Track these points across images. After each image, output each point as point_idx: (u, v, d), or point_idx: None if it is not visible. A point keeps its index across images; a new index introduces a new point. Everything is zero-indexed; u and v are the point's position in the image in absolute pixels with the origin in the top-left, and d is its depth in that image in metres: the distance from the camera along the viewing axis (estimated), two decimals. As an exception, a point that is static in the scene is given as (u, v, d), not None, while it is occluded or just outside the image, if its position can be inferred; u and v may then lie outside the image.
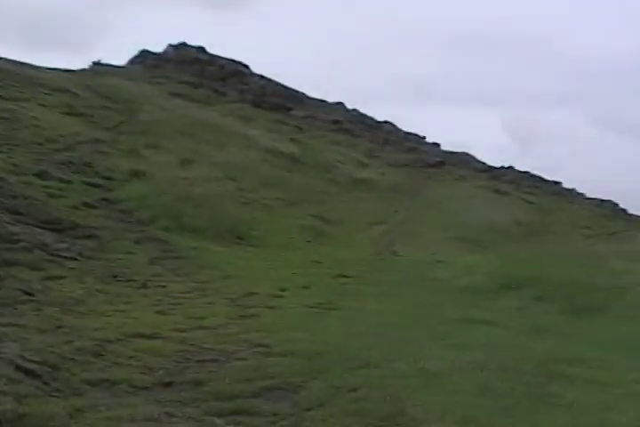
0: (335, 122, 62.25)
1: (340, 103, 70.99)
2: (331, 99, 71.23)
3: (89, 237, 18.24)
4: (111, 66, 55.88)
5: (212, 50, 67.47)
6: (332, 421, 6.62)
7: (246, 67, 67.81)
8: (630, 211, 61.83)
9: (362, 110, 71.47)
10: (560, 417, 6.97)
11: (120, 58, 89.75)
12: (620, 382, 9.12)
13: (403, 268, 22.72)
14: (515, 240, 34.36)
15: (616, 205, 62.89)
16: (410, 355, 9.41)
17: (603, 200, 62.98)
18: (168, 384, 7.93)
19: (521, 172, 65.09)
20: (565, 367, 9.54)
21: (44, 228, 17.22)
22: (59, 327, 9.87)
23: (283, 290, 16.15)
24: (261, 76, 67.22)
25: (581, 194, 64.56)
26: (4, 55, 41.32)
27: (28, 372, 7.17)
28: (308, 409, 7.09)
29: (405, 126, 70.45)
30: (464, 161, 63.39)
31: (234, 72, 64.65)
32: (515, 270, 19.38)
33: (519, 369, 9.03)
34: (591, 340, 13.20)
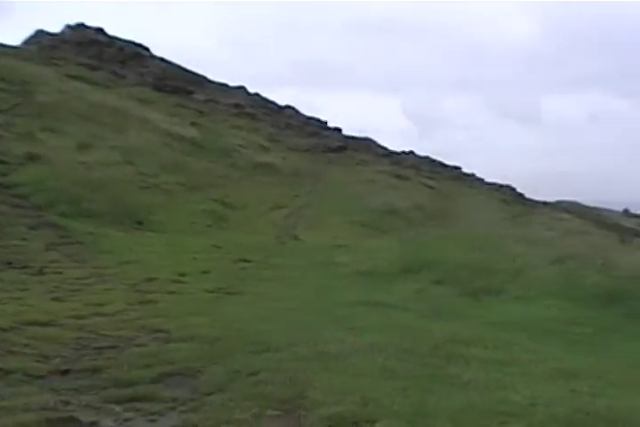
0: (237, 106, 61.88)
1: (242, 87, 70.60)
2: (232, 83, 70.87)
3: (-19, 222, 17.78)
4: (5, 46, 54.13)
5: (111, 31, 66.26)
6: (232, 405, 6.58)
7: (146, 49, 66.79)
8: (528, 195, 63.47)
9: (264, 95, 71.39)
10: (457, 397, 7.07)
11: (15, 38, 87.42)
12: (515, 362, 9.33)
13: (304, 252, 22.78)
14: (415, 224, 34.80)
15: (514, 189, 64.45)
16: (310, 338, 9.43)
17: (501, 185, 64.46)
18: (65, 372, 7.77)
19: (421, 157, 66.00)
20: (463, 348, 9.70)
21: None
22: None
23: (183, 275, 16.02)
24: (162, 59, 66.35)
25: (480, 179, 65.90)
26: None
27: None
28: (208, 394, 7.04)
29: (307, 111, 70.77)
30: (365, 146, 63.86)
31: (133, 54, 63.58)
32: (414, 254, 19.63)
33: (418, 351, 9.14)
34: (489, 321, 13.50)
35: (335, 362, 8.21)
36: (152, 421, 6.39)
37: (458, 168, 66.24)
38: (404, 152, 65.81)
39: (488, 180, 65.89)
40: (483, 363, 8.94)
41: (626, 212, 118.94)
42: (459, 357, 9.11)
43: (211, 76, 69.64)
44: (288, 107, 70.21)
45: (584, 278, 17.39)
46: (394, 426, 6.04)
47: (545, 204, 60.74)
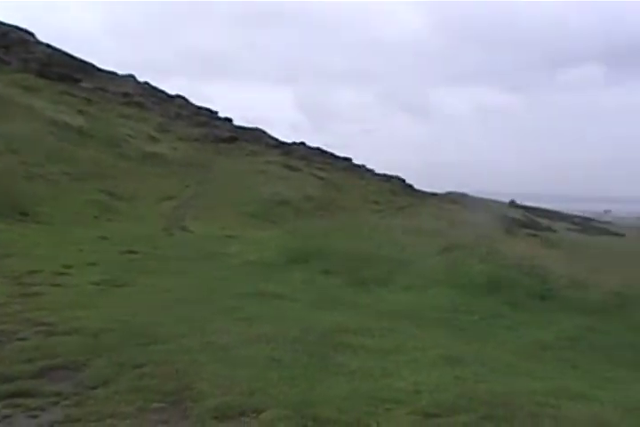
0: (125, 95, 60.88)
1: (131, 76, 69.53)
2: (121, 71, 69.68)
3: None
4: None
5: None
6: (117, 398, 6.48)
7: (31, 34, 64.94)
8: (417, 186, 64.54)
9: (153, 83, 70.42)
10: (342, 385, 7.13)
11: None
12: (402, 350, 9.46)
13: (193, 243, 22.63)
14: (305, 215, 34.97)
15: (403, 181, 65.39)
16: (198, 330, 9.37)
17: (391, 176, 65.29)
18: (-59, 368, 7.51)
19: (312, 148, 66.27)
20: (350, 337, 9.80)
21: None
22: None
23: (68, 267, 15.67)
24: (47, 45, 64.64)
25: (370, 170, 66.59)
26: None
27: None
28: (93, 388, 6.90)
29: (197, 101, 70.16)
30: (256, 136, 63.74)
31: (17, 40, 61.70)
32: (303, 245, 19.72)
33: (305, 340, 9.17)
34: (376, 310, 13.63)
35: (223, 353, 8.18)
36: (33, 417, 6.22)
37: (348, 159, 66.76)
38: (294, 143, 65.94)
39: (378, 171, 66.68)
40: (369, 352, 9.04)
41: (512, 203, 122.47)
42: (346, 346, 9.19)
43: (99, 64, 68.33)
44: (178, 96, 69.49)
45: (470, 268, 17.79)
46: (280, 415, 6.05)
47: (433, 195, 61.87)
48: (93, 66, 67.02)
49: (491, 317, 14.30)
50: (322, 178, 50.08)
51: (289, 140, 66.77)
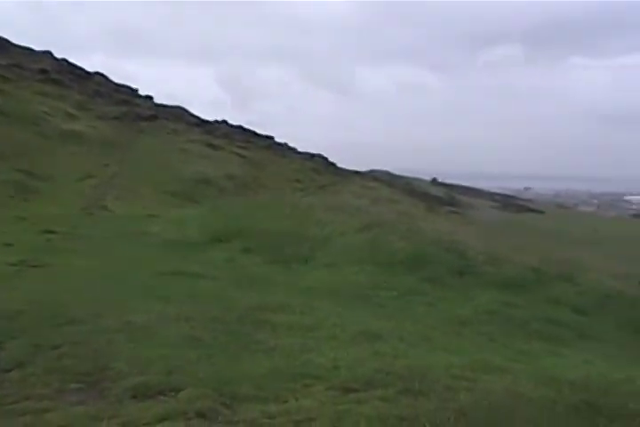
0: (42, 71, 59.51)
1: (48, 52, 67.94)
2: (37, 47, 68.02)
3: None
4: None
5: None
6: (33, 380, 6.39)
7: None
8: (340, 165, 64.86)
9: (71, 60, 68.94)
10: (262, 362, 7.16)
11: None
12: (321, 327, 9.54)
13: (113, 223, 22.36)
14: (227, 194, 34.85)
15: (326, 159, 65.60)
16: (117, 309, 9.29)
17: (313, 155, 65.40)
18: None
19: (234, 126, 65.94)
20: (270, 315, 9.84)
21: None
22: None
23: (-17, 248, 15.38)
24: (-42, 21, 62.82)
25: (293, 148, 66.60)
26: None
27: None
28: (7, 370, 6.78)
29: (117, 78, 69.05)
30: (177, 115, 63.11)
31: None
32: (225, 223, 19.65)
33: (225, 319, 9.18)
34: (297, 288, 13.68)
35: (141, 332, 8.13)
36: (-55, 401, 6.11)
37: (270, 138, 66.61)
38: (216, 121, 65.52)
39: (301, 149, 66.74)
40: (289, 329, 9.09)
41: (434, 181, 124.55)
42: (266, 323, 9.23)
43: (14, 39, 66.60)
44: (97, 73, 68.25)
45: (390, 245, 17.95)
46: (198, 393, 6.04)
47: (356, 173, 62.25)
48: (7, 41, 65.32)
49: (410, 293, 14.45)
50: (244, 156, 49.91)
51: (211, 119, 66.35)
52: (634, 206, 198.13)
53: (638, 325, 14.99)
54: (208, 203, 27.86)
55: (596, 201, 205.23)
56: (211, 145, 49.47)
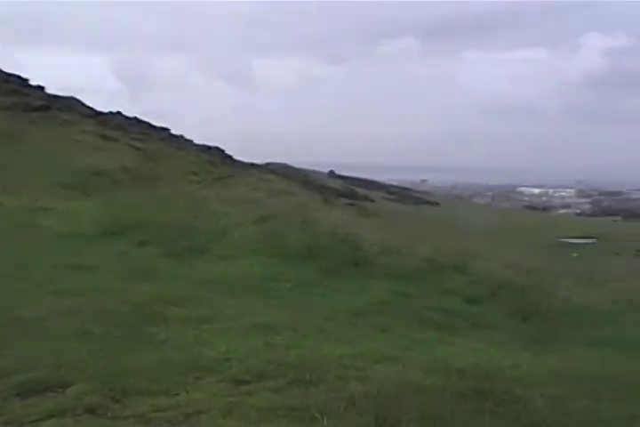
0: None
1: None
2: None
3: None
4: None
5: None
6: None
7: None
8: (237, 157, 64.57)
9: (-43, 49, 66.84)
10: (153, 355, 7.14)
11: None
12: (215, 319, 9.55)
13: (3, 216, 21.75)
14: (122, 186, 34.28)
15: (222, 151, 65.20)
16: (5, 304, 9.11)
17: (209, 147, 64.91)
18: None
19: (129, 117, 64.84)
20: (164, 308, 9.79)
21: None
22: None
23: None
24: None
25: (189, 140, 65.94)
26: None
27: None
28: None
29: (6, 68, 67.09)
30: (70, 105, 61.67)
31: None
32: (119, 216, 19.34)
33: (118, 312, 9.10)
34: (192, 281, 13.59)
35: (31, 327, 8.02)
36: None
37: (166, 129, 65.77)
38: (110, 113, 64.32)
39: (198, 141, 66.13)
40: (182, 321, 9.08)
41: (331, 173, 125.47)
42: (159, 316, 9.20)
43: None
44: (-15, 62, 66.36)
45: (285, 237, 18.00)
46: (87, 388, 6.00)
47: (253, 165, 62.11)
48: None
49: (305, 284, 14.52)
50: (138, 148, 49.10)
51: (105, 110, 65.17)
52: (526, 198, 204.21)
53: (527, 312, 15.42)
54: (102, 195, 27.37)
55: (490, 193, 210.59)
56: (104, 136, 48.47)
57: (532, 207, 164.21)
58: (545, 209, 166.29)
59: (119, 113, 65.01)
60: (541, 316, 15.22)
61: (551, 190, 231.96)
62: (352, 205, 61.81)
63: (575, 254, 65.68)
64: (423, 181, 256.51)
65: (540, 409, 6.27)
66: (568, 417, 6.20)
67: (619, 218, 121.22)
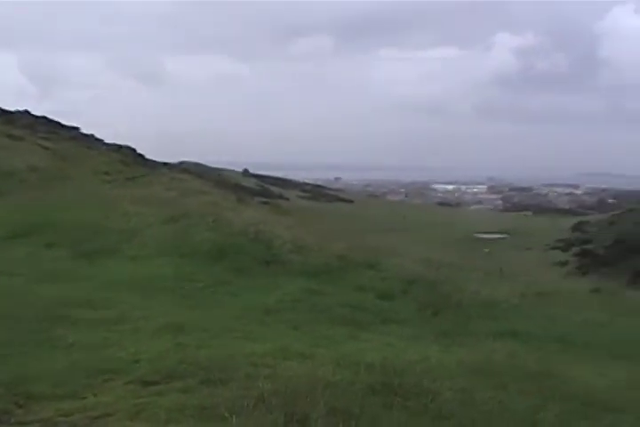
0: None
1: None
2: None
3: None
4: None
5: None
6: None
7: None
8: (149, 156, 63.82)
9: None
10: (60, 359, 7.04)
11: None
12: (125, 321, 9.46)
13: None
14: (30, 187, 33.60)
15: (134, 150, 64.38)
16: None
17: (121, 146, 64.02)
18: None
19: (37, 116, 63.58)
20: (72, 310, 9.67)
21: None
22: None
23: None
24: None
25: (100, 140, 64.94)
26: None
27: None
28: None
29: None
30: (-25, 105, 60.38)
31: None
32: (26, 218, 18.98)
33: (22, 316, 8.93)
34: (102, 282, 13.42)
35: None
36: None
37: (76, 128, 64.70)
38: (18, 111, 63.00)
39: (109, 141, 65.15)
40: (91, 323, 8.98)
41: (245, 172, 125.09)
42: (67, 319, 9.08)
43: None
44: None
45: (196, 236, 17.91)
46: (-11, 396, 5.88)
47: (165, 164, 61.52)
48: None
49: (215, 284, 14.45)
50: (47, 148, 48.17)
51: (12, 109, 63.73)
52: (439, 194, 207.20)
53: (437, 306, 15.62)
54: (9, 197, 26.77)
55: (403, 190, 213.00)
56: (11, 136, 47.44)
57: (445, 204, 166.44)
58: (458, 205, 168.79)
59: (27, 112, 63.66)
60: (452, 310, 15.42)
61: (464, 187, 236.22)
62: (266, 203, 61.70)
63: (487, 249, 66.73)
64: (337, 178, 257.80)
65: (449, 401, 6.38)
66: (475, 408, 6.31)
67: (529, 213, 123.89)
